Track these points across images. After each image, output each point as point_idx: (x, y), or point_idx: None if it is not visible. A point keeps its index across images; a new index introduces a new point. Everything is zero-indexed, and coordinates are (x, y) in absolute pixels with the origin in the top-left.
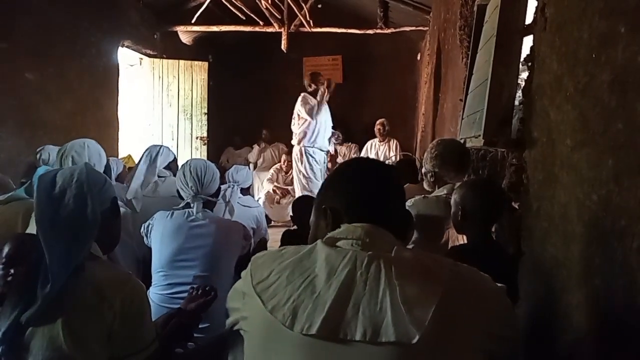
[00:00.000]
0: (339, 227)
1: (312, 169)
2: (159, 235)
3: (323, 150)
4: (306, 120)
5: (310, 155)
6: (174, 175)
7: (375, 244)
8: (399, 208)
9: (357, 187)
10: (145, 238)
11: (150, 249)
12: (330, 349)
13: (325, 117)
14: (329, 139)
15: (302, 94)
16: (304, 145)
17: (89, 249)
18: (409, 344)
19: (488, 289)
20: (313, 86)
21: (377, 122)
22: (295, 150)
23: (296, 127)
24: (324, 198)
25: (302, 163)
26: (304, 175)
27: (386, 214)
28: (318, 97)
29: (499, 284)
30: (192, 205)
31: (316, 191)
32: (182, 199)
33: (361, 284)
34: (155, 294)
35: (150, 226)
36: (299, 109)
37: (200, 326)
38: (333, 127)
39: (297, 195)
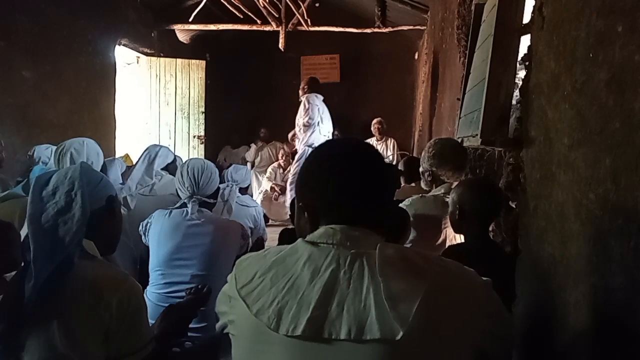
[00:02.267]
0: (318, 227)
1: None
2: (157, 233)
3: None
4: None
5: None
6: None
7: (357, 245)
8: (384, 201)
9: (331, 183)
10: (143, 236)
11: (148, 247)
12: (316, 349)
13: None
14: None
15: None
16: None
17: (76, 245)
18: (394, 340)
19: (473, 283)
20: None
21: (374, 121)
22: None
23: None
24: (301, 193)
25: None
26: None
27: (368, 212)
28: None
29: (484, 278)
30: (187, 205)
31: None
32: (181, 198)
33: (345, 283)
34: (152, 292)
35: (148, 225)
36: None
37: (197, 325)
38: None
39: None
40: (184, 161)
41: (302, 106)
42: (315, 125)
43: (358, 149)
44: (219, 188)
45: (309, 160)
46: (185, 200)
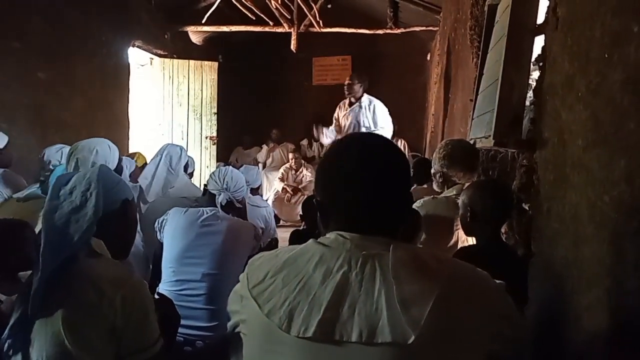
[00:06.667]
0: (329, 226)
1: None
2: (172, 230)
3: None
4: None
5: None
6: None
7: (368, 248)
8: (401, 209)
9: (342, 186)
10: (158, 233)
11: (162, 244)
12: (326, 351)
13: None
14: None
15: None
16: None
17: (83, 243)
18: (405, 344)
19: (487, 286)
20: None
21: None
22: None
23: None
24: (315, 188)
25: None
26: None
27: (381, 222)
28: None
29: (497, 281)
30: (218, 196)
31: None
32: (206, 192)
33: (356, 285)
34: (164, 289)
35: (164, 221)
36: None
37: (208, 324)
38: None
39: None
40: (222, 165)
41: (380, 106)
42: None
43: (376, 149)
44: (243, 199)
45: (325, 155)
46: (215, 192)
